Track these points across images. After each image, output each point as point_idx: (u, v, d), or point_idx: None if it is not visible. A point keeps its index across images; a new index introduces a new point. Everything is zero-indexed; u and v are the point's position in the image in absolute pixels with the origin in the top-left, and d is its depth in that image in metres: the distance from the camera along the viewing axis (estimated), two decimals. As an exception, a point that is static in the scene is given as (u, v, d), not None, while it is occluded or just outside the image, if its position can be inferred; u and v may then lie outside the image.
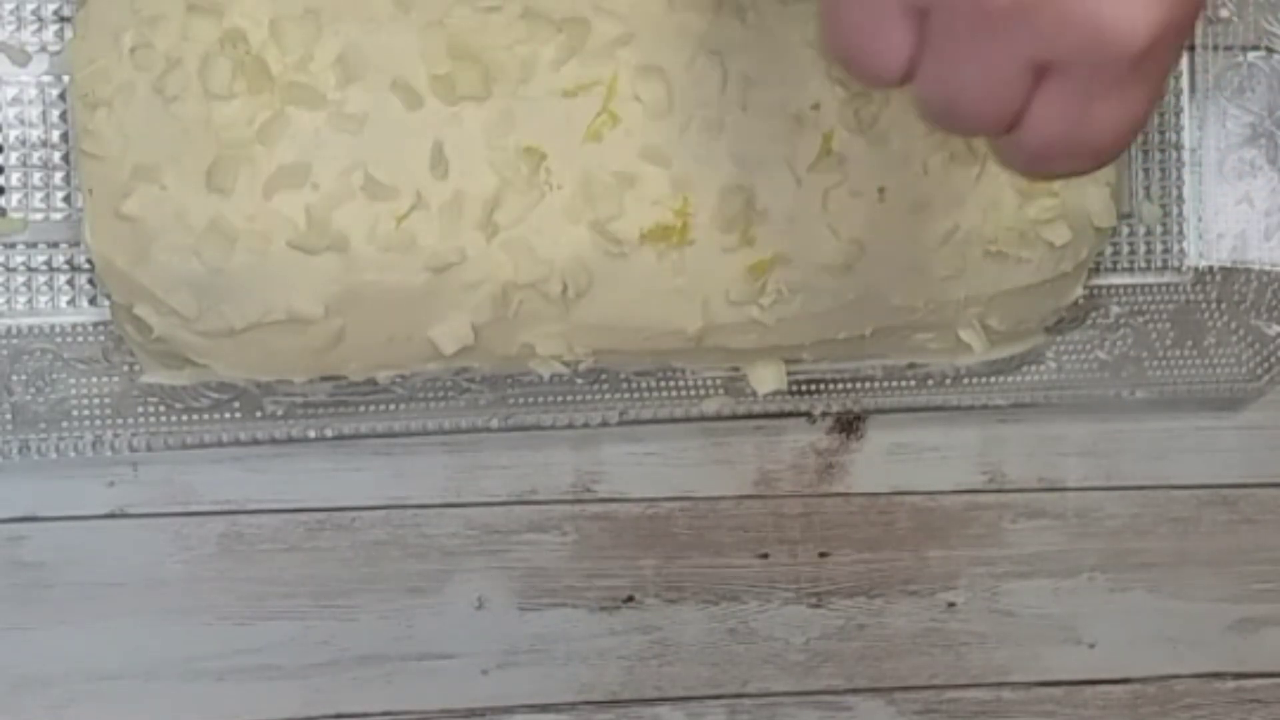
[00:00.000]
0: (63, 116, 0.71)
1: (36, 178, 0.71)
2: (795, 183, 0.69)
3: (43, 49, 0.71)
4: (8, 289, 0.71)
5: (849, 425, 0.79)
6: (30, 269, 0.71)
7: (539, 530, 0.77)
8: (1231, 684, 0.83)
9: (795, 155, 0.69)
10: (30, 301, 0.71)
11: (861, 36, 0.52)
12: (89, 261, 0.70)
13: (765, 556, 0.79)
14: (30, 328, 0.71)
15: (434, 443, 0.75)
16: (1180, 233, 0.79)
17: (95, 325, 0.72)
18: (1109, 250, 0.78)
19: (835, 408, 0.77)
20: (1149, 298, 0.78)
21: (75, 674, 0.75)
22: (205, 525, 0.75)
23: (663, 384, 0.74)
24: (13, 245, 0.71)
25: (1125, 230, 0.78)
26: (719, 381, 0.75)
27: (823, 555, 0.79)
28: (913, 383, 0.76)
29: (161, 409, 0.72)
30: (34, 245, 0.71)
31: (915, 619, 0.80)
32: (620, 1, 0.68)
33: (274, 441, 0.72)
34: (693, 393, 0.75)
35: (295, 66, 0.66)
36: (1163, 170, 0.79)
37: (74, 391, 0.71)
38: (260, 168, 0.66)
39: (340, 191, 0.66)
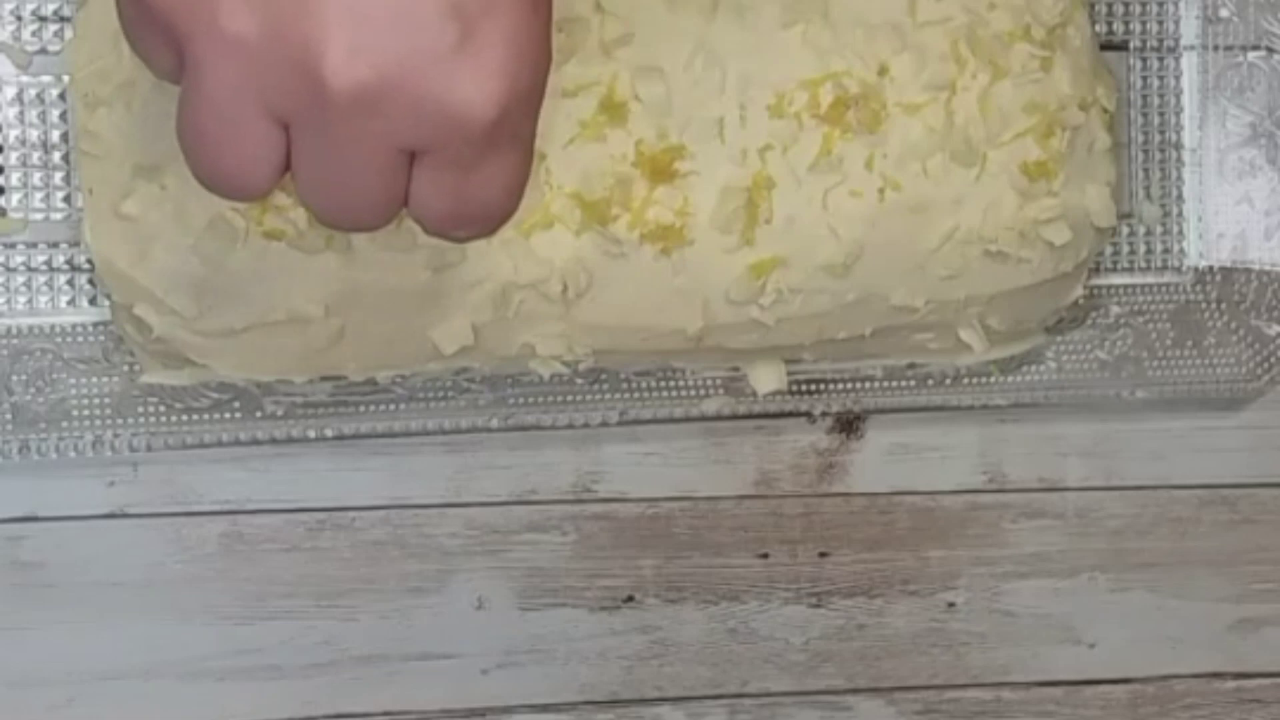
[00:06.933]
0: (63, 116, 0.71)
1: (36, 178, 0.71)
2: (795, 183, 0.69)
3: (43, 49, 0.71)
4: (8, 289, 0.71)
5: (849, 425, 0.79)
6: (30, 269, 0.71)
7: (539, 530, 0.77)
8: (1231, 684, 0.83)
9: (795, 155, 0.69)
10: (30, 301, 0.71)
11: (225, 151, 0.51)
12: (89, 261, 0.70)
13: (765, 556, 0.79)
14: (30, 328, 0.71)
15: (434, 443, 0.75)
16: (1180, 233, 0.79)
17: (95, 325, 0.72)
18: (1109, 250, 0.78)
19: (835, 408, 0.77)
20: (1149, 298, 0.78)
21: (75, 674, 0.75)
22: (205, 525, 0.75)
23: (663, 384, 0.74)
24: (13, 245, 0.71)
25: (1125, 230, 0.78)
26: (719, 381, 0.75)
27: (823, 555, 0.79)
28: (913, 383, 0.76)
29: (161, 409, 0.72)
30: (34, 245, 0.71)
31: (915, 619, 0.80)
32: (620, 1, 0.68)
33: (274, 441, 0.72)
34: (693, 393, 0.75)
35: (295, 66, 0.66)
36: (1163, 170, 0.78)
37: (74, 391, 0.71)
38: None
39: (340, 191, 0.66)
